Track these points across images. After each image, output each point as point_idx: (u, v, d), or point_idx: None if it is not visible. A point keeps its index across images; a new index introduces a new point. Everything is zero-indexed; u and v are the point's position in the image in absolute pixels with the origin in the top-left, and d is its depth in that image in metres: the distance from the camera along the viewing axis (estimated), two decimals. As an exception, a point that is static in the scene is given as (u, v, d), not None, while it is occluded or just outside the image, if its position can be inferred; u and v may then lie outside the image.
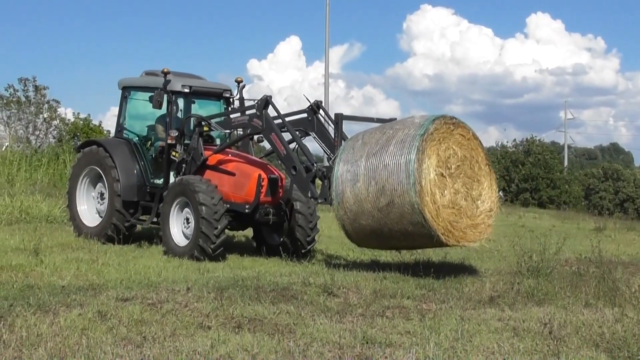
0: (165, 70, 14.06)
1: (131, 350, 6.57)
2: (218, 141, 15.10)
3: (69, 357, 6.28)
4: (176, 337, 7.11)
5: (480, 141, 11.73)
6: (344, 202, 11.46)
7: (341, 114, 13.09)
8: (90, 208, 15.22)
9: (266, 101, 13.28)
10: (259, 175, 13.12)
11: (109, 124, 39.20)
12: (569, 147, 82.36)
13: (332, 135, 13.22)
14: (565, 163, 70.54)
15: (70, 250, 13.27)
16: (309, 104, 13.61)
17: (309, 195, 12.76)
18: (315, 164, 12.92)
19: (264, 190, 13.12)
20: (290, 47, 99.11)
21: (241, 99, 15.07)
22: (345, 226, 11.74)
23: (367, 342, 7.21)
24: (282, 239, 13.92)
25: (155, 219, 14.04)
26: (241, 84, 15.33)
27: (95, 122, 39.59)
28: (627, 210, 60.73)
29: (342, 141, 12.68)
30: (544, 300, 9.66)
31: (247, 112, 13.80)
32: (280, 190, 13.54)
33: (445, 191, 10.95)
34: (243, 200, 13.21)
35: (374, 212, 11.11)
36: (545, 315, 8.71)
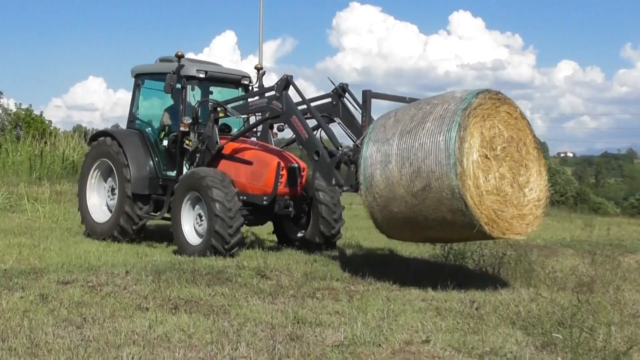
0: (180, 53, 12.65)
1: (72, 331, 6.51)
2: (235, 130, 13.41)
3: (10, 339, 6.19)
4: (115, 318, 7.06)
5: (528, 121, 9.77)
6: (374, 187, 9.54)
7: (369, 91, 11.02)
8: (100, 203, 13.83)
9: (287, 81, 11.68)
10: (278, 164, 11.69)
11: (50, 114, 38.81)
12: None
13: (360, 119, 11.35)
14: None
15: (12, 236, 13.05)
16: (333, 87, 11.87)
17: (333, 182, 10.92)
18: (340, 148, 11.18)
19: (283, 180, 11.78)
20: (225, 41, 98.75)
21: (261, 87, 13.47)
22: (375, 214, 9.77)
23: (298, 322, 7.25)
24: (304, 232, 12.69)
25: (167, 214, 12.59)
26: (261, 72, 13.85)
27: (37, 112, 39.06)
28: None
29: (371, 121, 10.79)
30: (465, 282, 9.82)
31: (266, 95, 12.26)
32: (302, 181, 12.12)
33: (490, 175, 9.10)
34: (261, 191, 11.78)
35: (407, 197, 9.22)
36: (466, 295, 8.89)
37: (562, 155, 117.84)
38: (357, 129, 11.16)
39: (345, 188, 10.74)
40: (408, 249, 13.05)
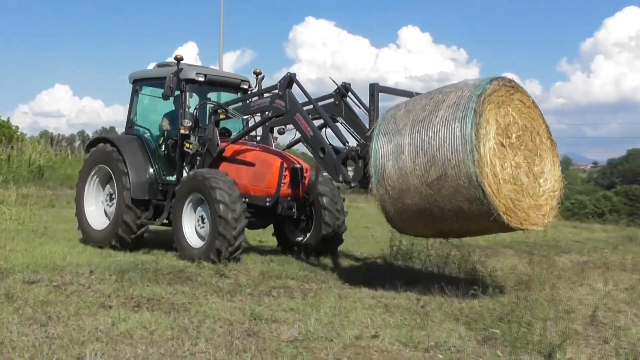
0: (178, 56, 11.83)
1: (36, 329, 6.41)
2: (234, 134, 12.64)
3: (-24, 337, 6.08)
4: (79, 316, 6.97)
5: (540, 110, 9.12)
6: (385, 179, 8.76)
7: (377, 84, 10.11)
8: (98, 210, 12.82)
9: (290, 79, 10.85)
10: (281, 164, 10.99)
11: (17, 120, 38.16)
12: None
13: (363, 119, 10.65)
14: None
15: (-23, 237, 12.77)
16: (335, 86, 11.02)
17: (341, 179, 10.00)
18: (347, 144, 10.15)
19: (286, 181, 11.03)
20: (187, 52, 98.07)
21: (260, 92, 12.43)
22: (387, 207, 8.95)
23: (254, 319, 7.24)
24: (305, 237, 11.83)
25: (166, 220, 11.80)
26: (260, 76, 12.81)
27: (4, 118, 38.40)
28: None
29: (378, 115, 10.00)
30: (412, 280, 9.88)
31: (268, 94, 11.40)
32: (305, 182, 11.35)
33: (506, 164, 8.39)
34: (264, 192, 11.01)
35: (421, 187, 8.48)
36: (413, 293, 8.95)
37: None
38: (361, 129, 10.53)
39: (353, 184, 9.89)
40: (359, 250, 13.10)
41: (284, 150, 12.23)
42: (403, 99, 9.87)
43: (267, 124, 11.63)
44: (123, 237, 11.91)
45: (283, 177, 10.89)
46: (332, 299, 8.38)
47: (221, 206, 10.19)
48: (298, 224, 11.77)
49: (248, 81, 12.75)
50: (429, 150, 8.42)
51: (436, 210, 8.57)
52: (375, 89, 10.00)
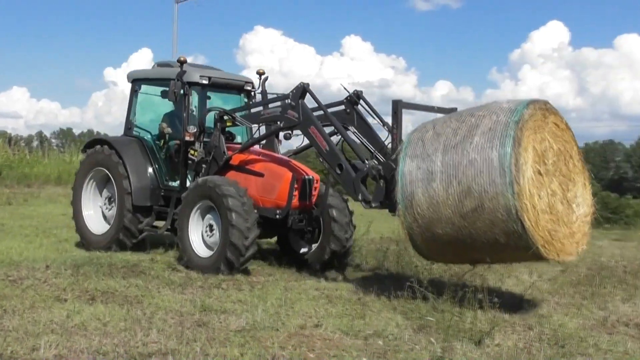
0: (182, 58, 10.71)
1: (-8, 322, 6.25)
2: (239, 138, 11.66)
3: None
4: (35, 309, 6.81)
5: (572, 132, 8.20)
6: (414, 207, 7.82)
7: (400, 101, 8.93)
8: (96, 213, 11.71)
9: (303, 89, 9.80)
10: (293, 176, 9.89)
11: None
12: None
13: (375, 130, 9.82)
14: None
15: None
16: (347, 94, 10.00)
17: (360, 197, 9.00)
18: (366, 161, 9.24)
19: (297, 193, 9.92)
20: (142, 57, 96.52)
21: (264, 93, 11.52)
22: (414, 236, 8.03)
23: (204, 310, 7.19)
24: (310, 248, 10.65)
25: (169, 226, 10.71)
26: (263, 77, 11.64)
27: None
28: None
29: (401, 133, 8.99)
30: (353, 272, 9.91)
31: (280, 103, 10.31)
32: (315, 193, 10.24)
33: (542, 192, 7.47)
34: (273, 204, 9.92)
35: (454, 218, 7.58)
36: (354, 285, 8.99)
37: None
38: (374, 140, 9.70)
39: (374, 205, 8.88)
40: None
41: (290, 156, 11.01)
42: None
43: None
44: (124, 243, 10.98)
45: (294, 189, 9.83)
46: (278, 291, 8.36)
47: (234, 215, 9.17)
48: (303, 235, 10.57)
49: (252, 82, 11.71)
50: (463, 180, 7.50)
51: (469, 242, 7.72)
52: (398, 106, 8.84)
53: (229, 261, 9.19)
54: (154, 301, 7.48)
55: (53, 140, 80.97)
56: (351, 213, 10.51)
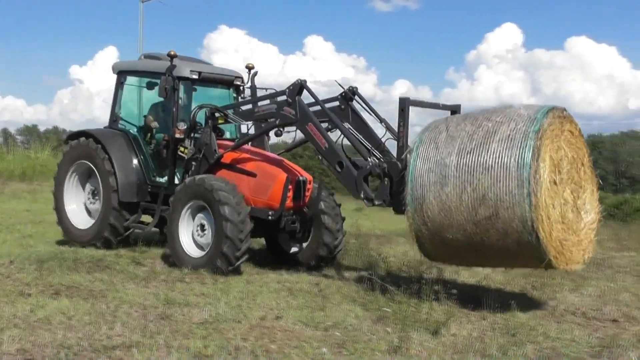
0: (172, 52, 10.09)
1: (-45, 317, 6.13)
2: (228, 135, 11.10)
3: None
4: (-2, 304, 6.70)
5: (584, 138, 7.96)
6: (425, 210, 7.53)
7: (408, 98, 8.48)
8: (79, 207, 11.08)
9: (300, 86, 9.31)
10: (287, 178, 9.43)
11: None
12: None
13: (371, 127, 9.36)
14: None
15: None
16: (342, 90, 9.52)
17: (362, 196, 8.62)
18: (369, 159, 8.83)
19: (290, 194, 9.46)
20: (107, 55, 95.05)
21: (253, 88, 11.06)
22: (422, 238, 7.75)
23: (168, 303, 7.13)
24: (300, 248, 10.12)
25: (156, 223, 10.29)
26: (253, 71, 11.17)
27: None
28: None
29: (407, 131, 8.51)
30: (314, 267, 9.91)
31: (276, 99, 9.76)
32: (307, 194, 9.78)
33: (556, 202, 7.24)
34: (266, 205, 9.43)
35: (467, 225, 7.31)
36: (314, 278, 9.01)
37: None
38: (370, 137, 9.29)
39: (377, 202, 8.54)
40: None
41: (280, 153, 10.63)
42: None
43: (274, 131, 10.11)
44: (109, 240, 10.46)
45: (288, 190, 9.37)
46: (241, 284, 8.34)
47: (229, 225, 8.72)
48: (294, 234, 9.97)
49: (241, 77, 11.18)
50: (478, 187, 7.20)
51: (479, 248, 7.47)
52: (406, 104, 8.40)
53: (225, 256, 8.76)
54: (118, 295, 7.41)
55: (18, 137, 79.46)
56: (343, 219, 10.11)
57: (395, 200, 8.30)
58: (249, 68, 11.19)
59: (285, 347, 5.83)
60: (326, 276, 9.15)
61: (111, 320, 6.34)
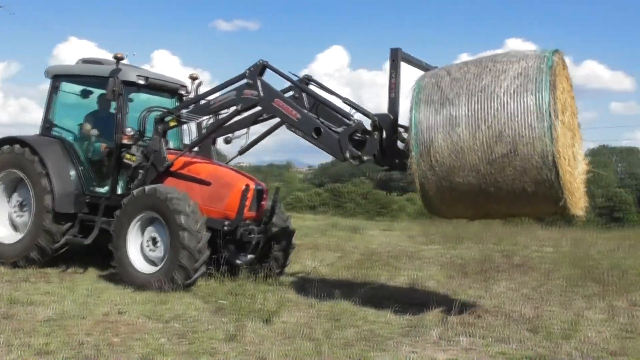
0: (119, 55, 8.90)
1: None
2: (170, 144, 9.50)
3: None
4: None
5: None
6: (432, 154, 6.55)
7: (399, 49, 7.48)
8: (3, 221, 9.32)
9: (263, 67, 8.17)
10: (246, 186, 8.38)
11: None
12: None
13: (334, 103, 8.08)
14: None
15: None
16: (295, 78, 8.38)
17: (348, 155, 7.47)
18: (351, 117, 7.71)
19: (248, 203, 8.38)
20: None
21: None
22: (427, 185, 6.70)
23: (11, 303, 6.67)
24: (246, 258, 8.77)
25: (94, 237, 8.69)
26: (197, 82, 10.02)
27: None
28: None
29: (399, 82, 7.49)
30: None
31: (234, 86, 8.37)
32: (264, 204, 8.84)
33: (567, 142, 6.55)
34: (221, 215, 8.32)
35: (480, 165, 6.40)
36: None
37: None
38: (336, 110, 7.94)
39: (366, 158, 7.45)
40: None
41: (228, 163, 9.50)
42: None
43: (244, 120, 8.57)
44: (44, 248, 8.80)
45: (246, 199, 8.31)
46: (88, 282, 7.97)
47: (186, 235, 7.63)
48: (245, 246, 8.75)
49: (186, 87, 10.04)
50: (494, 123, 6.33)
51: (492, 191, 6.53)
52: (397, 55, 7.46)
53: (183, 267, 7.66)
54: (-40, 297, 6.82)
55: None
56: (293, 231, 9.24)
57: (388, 153, 7.44)
58: (193, 78, 10.09)
59: (128, 339, 5.62)
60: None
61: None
